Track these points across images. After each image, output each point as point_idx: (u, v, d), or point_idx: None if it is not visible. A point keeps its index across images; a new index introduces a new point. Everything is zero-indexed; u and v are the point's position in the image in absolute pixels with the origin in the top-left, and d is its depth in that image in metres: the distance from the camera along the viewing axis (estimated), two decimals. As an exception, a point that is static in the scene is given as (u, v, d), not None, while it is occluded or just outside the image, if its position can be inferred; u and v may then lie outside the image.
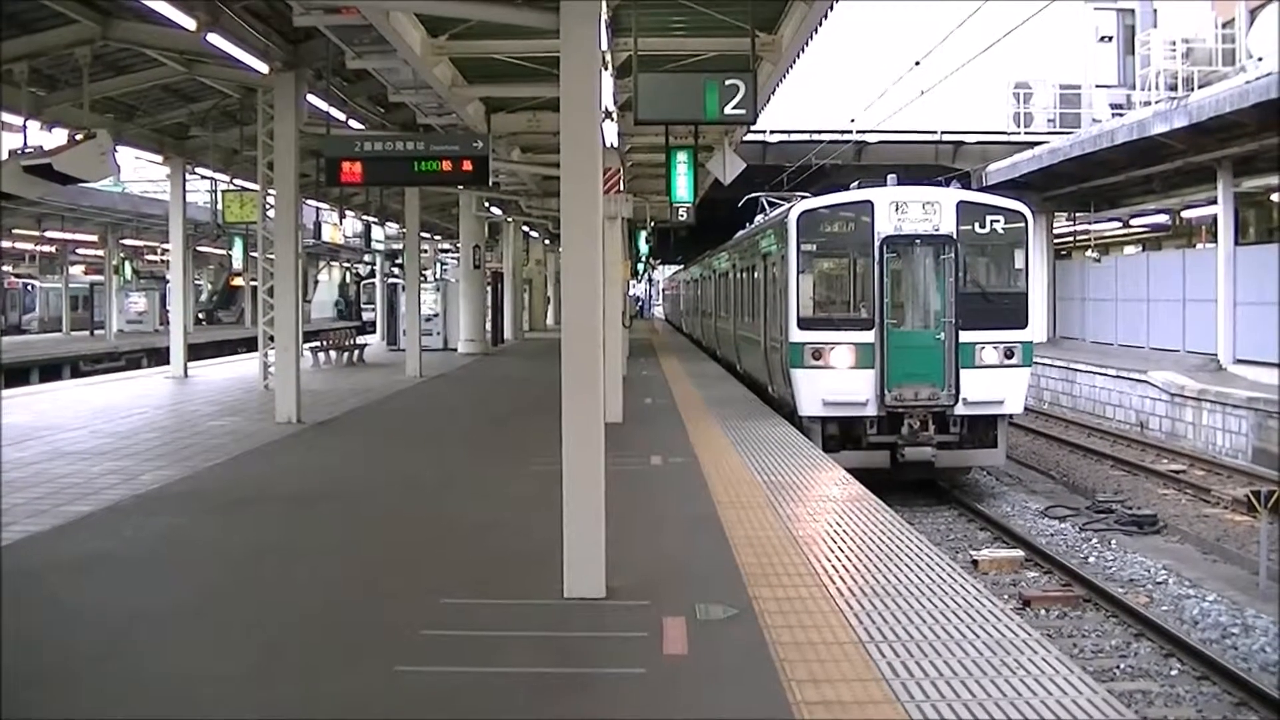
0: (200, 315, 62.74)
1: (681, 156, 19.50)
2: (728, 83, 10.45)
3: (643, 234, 44.83)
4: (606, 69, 14.76)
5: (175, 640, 8.00)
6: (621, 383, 20.55)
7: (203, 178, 34.50)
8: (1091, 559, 16.46)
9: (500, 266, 47.56)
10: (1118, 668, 11.86)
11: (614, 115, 18.45)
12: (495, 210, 41.51)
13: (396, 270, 51.10)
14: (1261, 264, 28.77)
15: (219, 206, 34.34)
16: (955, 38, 22.82)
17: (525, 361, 37.31)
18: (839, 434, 19.80)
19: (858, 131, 43.24)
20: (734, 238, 34.89)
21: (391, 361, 34.85)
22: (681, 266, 77.24)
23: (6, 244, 52.13)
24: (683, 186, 19.64)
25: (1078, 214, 44.91)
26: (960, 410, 19.48)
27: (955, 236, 19.46)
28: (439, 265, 64.14)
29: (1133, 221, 45.65)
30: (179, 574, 9.86)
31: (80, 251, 59.94)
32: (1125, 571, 15.69)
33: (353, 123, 23.45)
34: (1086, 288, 40.67)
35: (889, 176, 21.24)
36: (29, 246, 58.30)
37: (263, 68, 18.69)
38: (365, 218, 47.82)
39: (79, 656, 7.53)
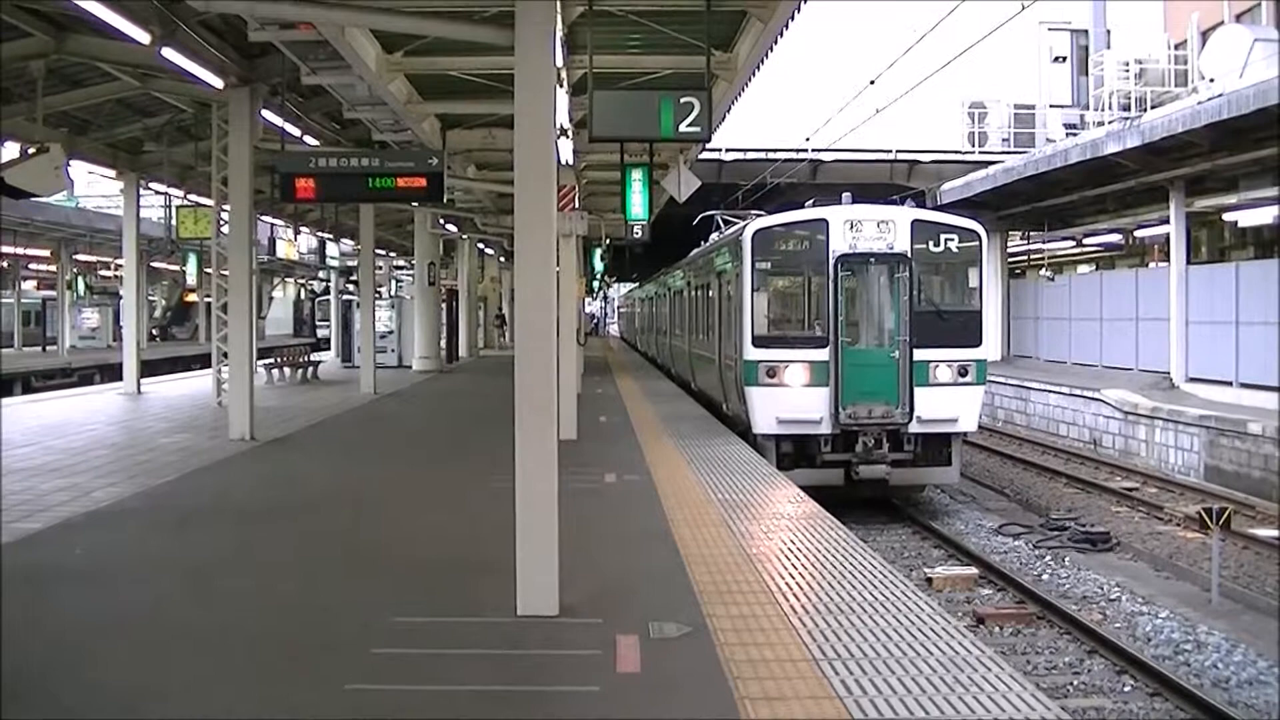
0: (154, 331, 62.36)
1: (636, 174, 19.48)
2: (683, 100, 10.43)
3: (598, 251, 44.82)
4: (561, 86, 14.73)
5: (123, 658, 7.92)
6: (576, 400, 20.51)
7: (157, 193, 34.22)
8: (1045, 576, 16.52)
9: (455, 284, 47.46)
10: (1071, 685, 11.90)
11: (569, 132, 18.43)
12: (450, 227, 41.43)
13: (351, 287, 50.92)
14: (1213, 283, 29.01)
15: (173, 222, 34.05)
16: (910, 57, 22.87)
17: (479, 379, 37.23)
18: (793, 452, 19.83)
19: (813, 150, 43.30)
20: (689, 256, 34.93)
21: (346, 379, 34.71)
22: (637, 284, 77.27)
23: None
24: (638, 204, 19.62)
25: (1032, 233, 45.15)
26: (914, 428, 19.54)
27: (909, 255, 19.55)
28: (394, 282, 63.98)
29: (1086, 240, 45.92)
30: (129, 591, 9.75)
31: (33, 267, 59.45)
32: (1079, 589, 15.76)
33: (308, 138, 23.35)
34: (1040, 306, 40.91)
35: (844, 195, 21.35)
36: (-21, 261, 57.84)
37: (217, 83, 18.59)
38: (320, 234, 47.68)
39: (26, 673, 7.44)
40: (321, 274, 69.39)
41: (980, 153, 47.89)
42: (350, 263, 51.96)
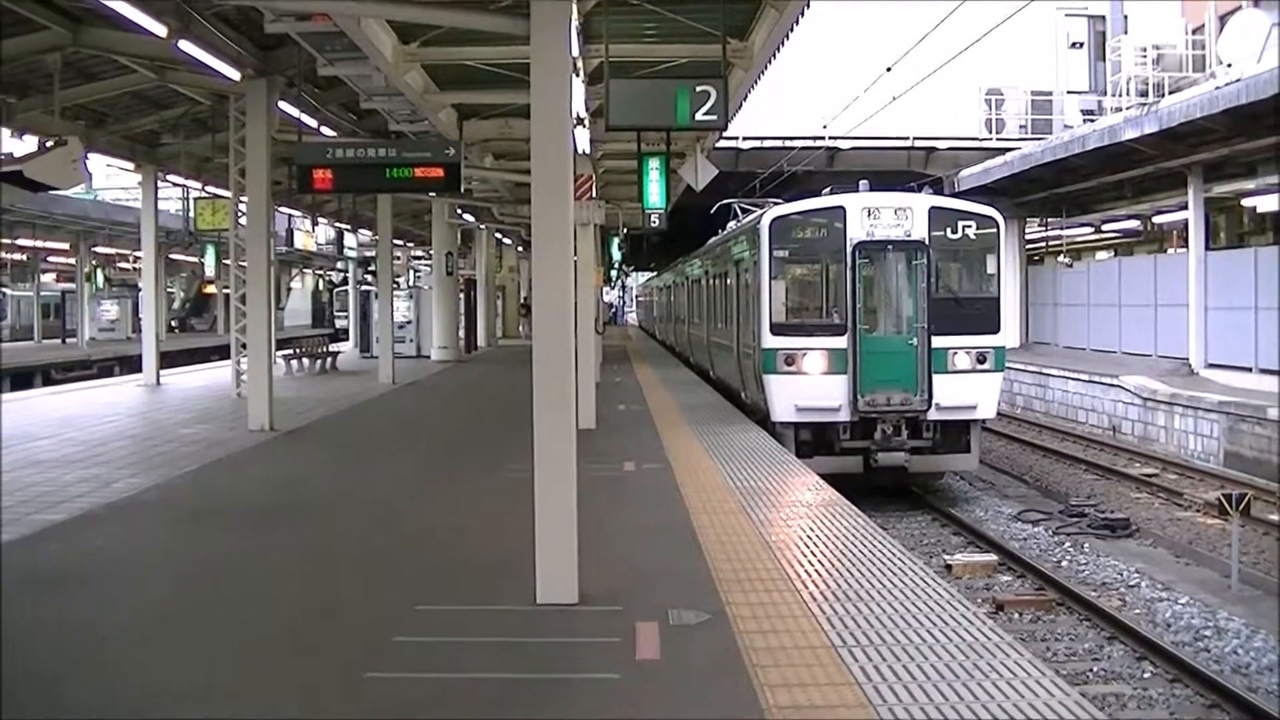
0: (173, 323, 62.45)
1: (653, 163, 19.44)
2: (699, 89, 10.41)
3: (615, 240, 44.79)
4: (578, 75, 14.73)
5: (143, 650, 7.94)
6: (595, 389, 20.51)
7: (175, 185, 34.29)
8: (1064, 563, 16.48)
9: (473, 273, 47.47)
10: (1091, 671, 11.88)
11: (585, 122, 18.42)
12: (468, 217, 41.41)
13: (369, 277, 50.96)
14: (1231, 268, 28.93)
15: (191, 214, 34.23)
16: (927, 44, 22.84)
17: (498, 369, 37.26)
18: (812, 440, 19.78)
19: (830, 138, 43.29)
20: (707, 244, 34.90)
21: (364, 369, 34.78)
22: (654, 273, 77.19)
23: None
24: (655, 193, 19.58)
25: (1049, 219, 45.06)
26: (933, 415, 19.51)
27: (927, 242, 19.51)
28: (412, 272, 63.99)
29: (1104, 227, 45.78)
30: (149, 583, 9.78)
31: (52, 259, 59.53)
32: (1098, 575, 15.72)
33: (324, 129, 23.37)
34: (1058, 293, 40.82)
35: (861, 182, 21.30)
36: (-1, 254, 57.94)
37: (234, 74, 18.59)
38: (338, 225, 47.66)
39: (44, 667, 7.47)
40: (339, 265, 69.35)
41: (998, 139, 47.69)
42: (368, 253, 51.88)
